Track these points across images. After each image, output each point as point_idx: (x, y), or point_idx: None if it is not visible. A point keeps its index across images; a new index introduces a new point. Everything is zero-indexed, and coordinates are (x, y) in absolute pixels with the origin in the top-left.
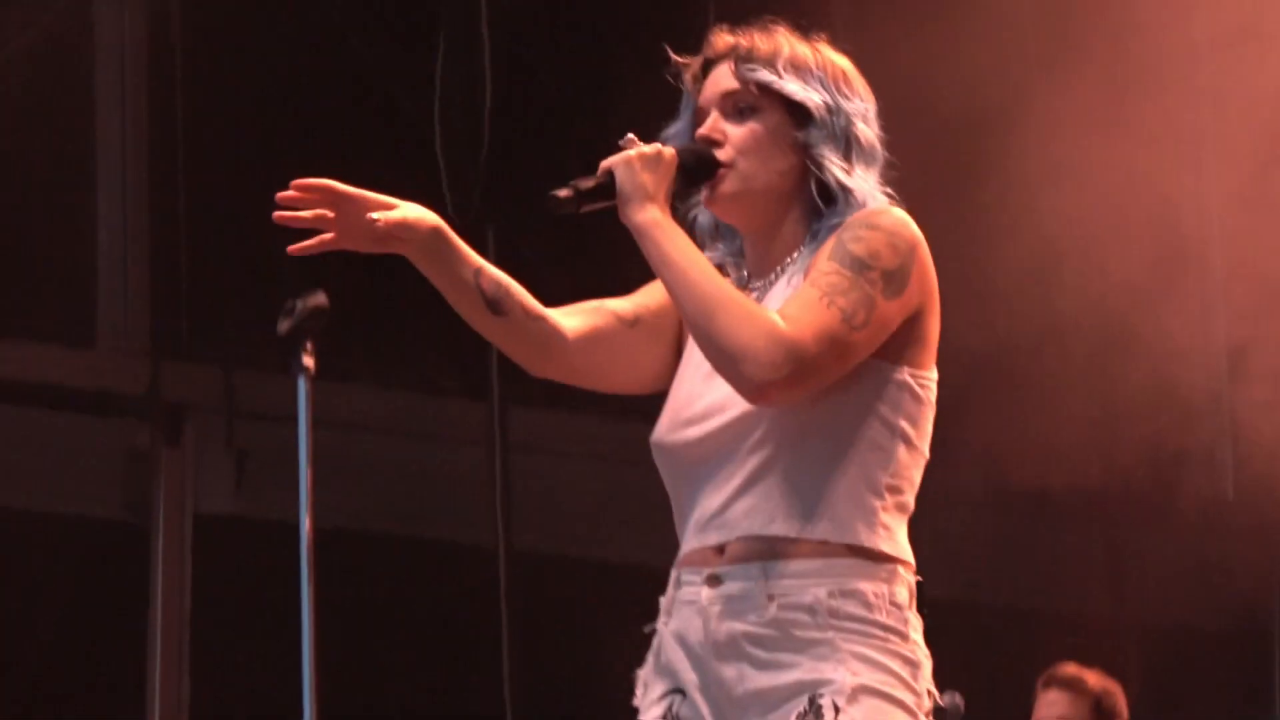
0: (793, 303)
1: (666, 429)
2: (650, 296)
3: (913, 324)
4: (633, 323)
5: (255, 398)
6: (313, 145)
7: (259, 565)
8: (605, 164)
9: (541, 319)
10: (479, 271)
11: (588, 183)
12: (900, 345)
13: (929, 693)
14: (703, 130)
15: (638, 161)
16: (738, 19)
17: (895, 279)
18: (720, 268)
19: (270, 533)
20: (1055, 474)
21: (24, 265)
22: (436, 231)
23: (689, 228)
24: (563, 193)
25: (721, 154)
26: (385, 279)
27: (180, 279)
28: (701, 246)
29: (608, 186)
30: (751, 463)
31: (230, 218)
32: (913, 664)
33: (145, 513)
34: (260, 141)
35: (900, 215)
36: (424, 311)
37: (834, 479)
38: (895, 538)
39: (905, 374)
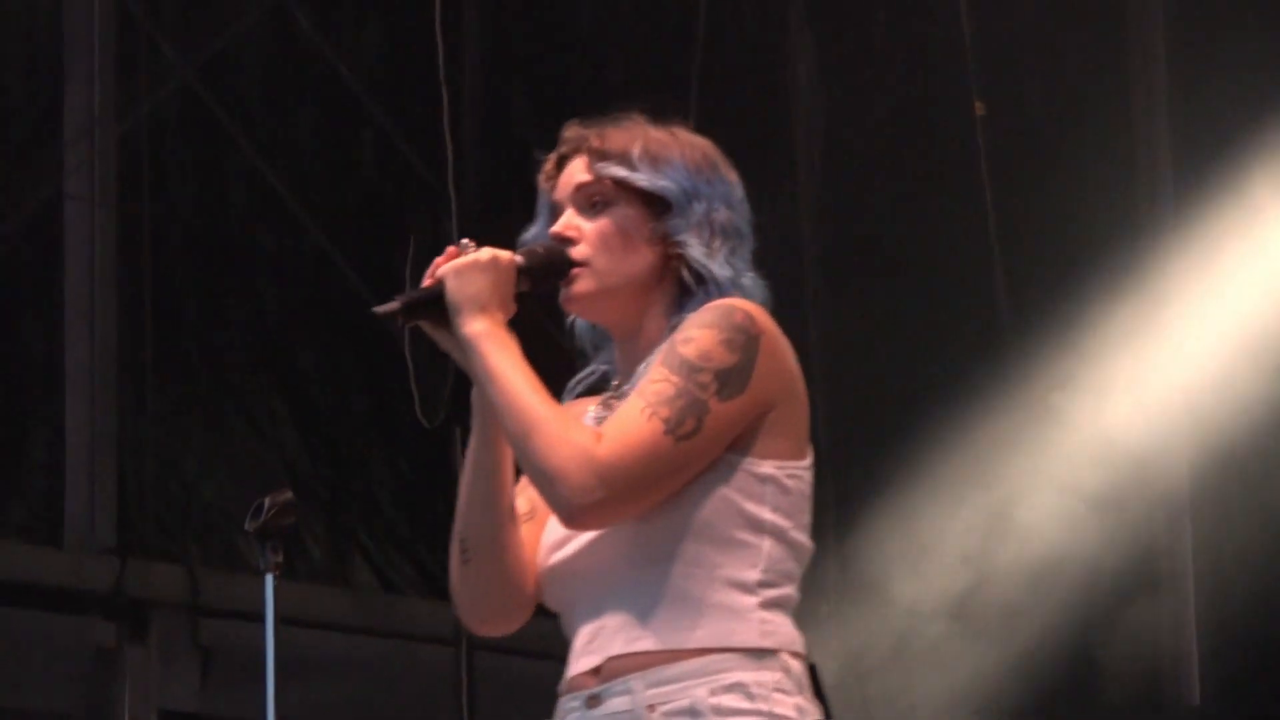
0: (615, 419)
1: (540, 560)
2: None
3: (769, 417)
4: (530, 515)
5: (219, 595)
6: (279, 338)
7: None
8: (437, 272)
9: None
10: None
11: (414, 294)
12: (760, 440)
13: None
14: (555, 228)
15: (468, 269)
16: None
17: (732, 378)
18: (606, 377)
19: None
20: None
21: None
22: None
23: (571, 332)
24: (385, 308)
25: (576, 252)
26: (352, 477)
27: (146, 477)
28: (584, 355)
29: (438, 297)
30: (615, 580)
31: (198, 416)
32: None
33: (110, 710)
34: (225, 332)
35: (740, 306)
36: (386, 509)
37: (702, 585)
38: (779, 631)
39: (768, 467)
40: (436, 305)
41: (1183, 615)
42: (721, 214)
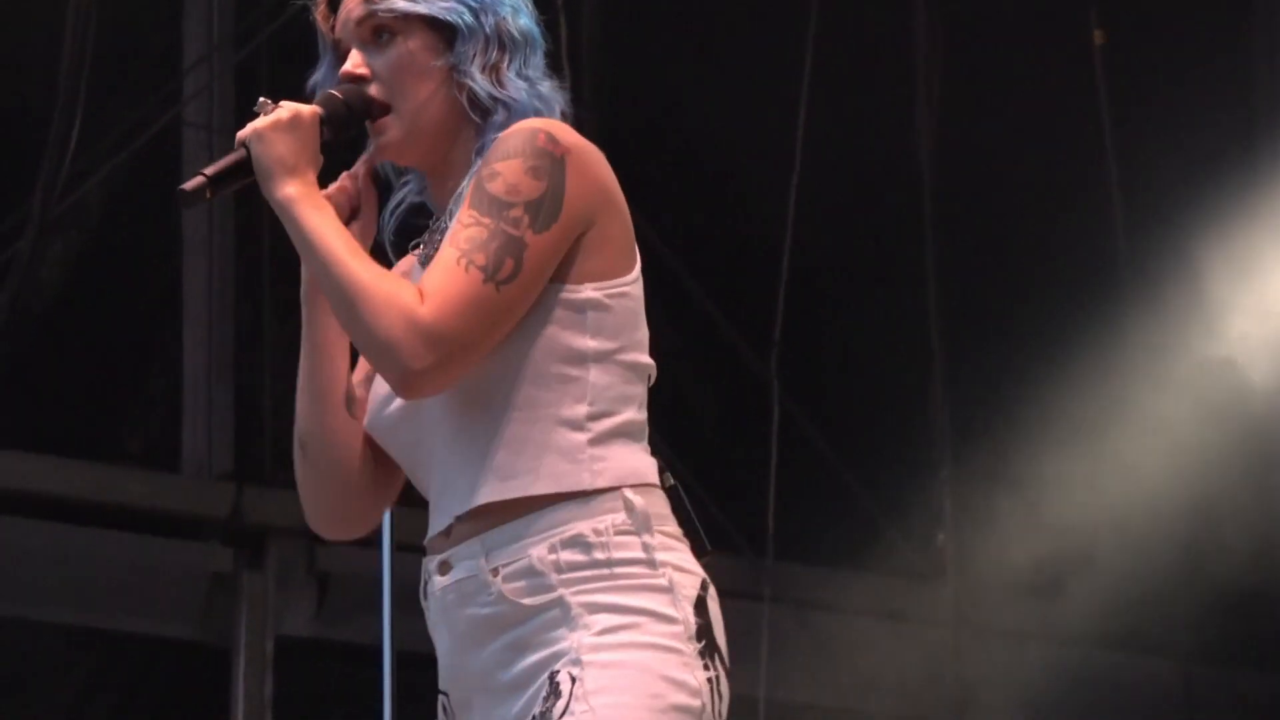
0: (433, 271)
1: (370, 414)
2: None
3: (586, 237)
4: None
5: None
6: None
7: (340, 688)
8: (238, 136)
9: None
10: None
11: (218, 165)
12: (577, 263)
13: (697, 609)
14: (345, 68)
15: (270, 130)
16: None
17: (544, 207)
18: (419, 208)
19: (351, 656)
20: None
21: (110, 391)
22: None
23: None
24: (191, 184)
25: (375, 90)
26: None
27: (264, 404)
28: (391, 185)
29: (244, 164)
30: (444, 432)
31: None
32: (663, 589)
33: (227, 636)
34: None
35: (541, 128)
36: None
37: (525, 427)
38: (612, 465)
39: (586, 291)
40: (244, 172)
41: None
42: (507, 22)
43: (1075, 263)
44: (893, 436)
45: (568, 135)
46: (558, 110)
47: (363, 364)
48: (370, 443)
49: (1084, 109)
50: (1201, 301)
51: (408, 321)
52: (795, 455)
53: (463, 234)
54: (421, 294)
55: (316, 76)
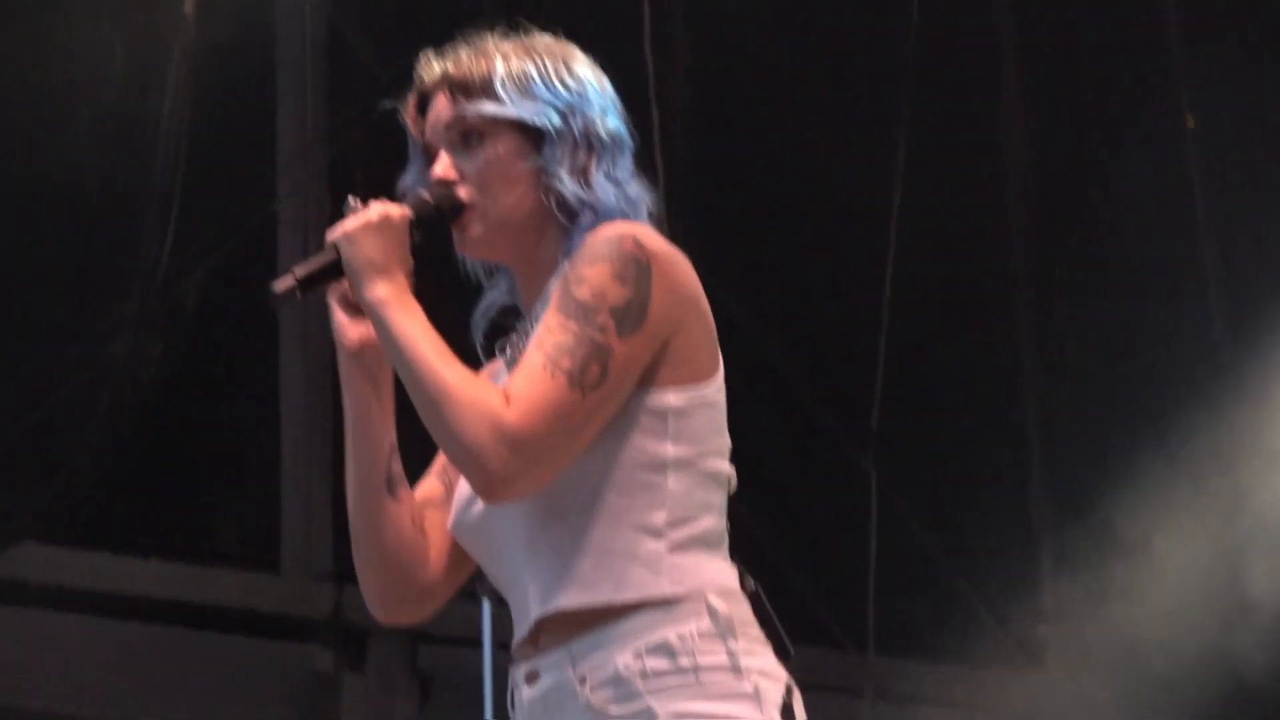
0: (518, 376)
1: (454, 515)
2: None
3: (671, 344)
4: (444, 479)
5: (438, 621)
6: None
7: None
8: (328, 236)
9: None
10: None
11: (309, 266)
12: (661, 369)
13: (783, 715)
14: (435, 172)
15: (359, 231)
16: None
17: (630, 312)
18: (510, 310)
19: None
20: None
21: (210, 490)
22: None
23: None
24: (281, 285)
25: (462, 193)
26: None
27: None
28: (482, 285)
29: (334, 265)
30: (526, 536)
31: (411, 440)
32: (749, 696)
33: None
34: None
35: (628, 233)
36: None
37: (605, 534)
38: (690, 571)
39: (669, 397)
40: (334, 273)
41: None
42: (595, 124)
43: (1176, 349)
44: (992, 525)
45: (654, 241)
46: (644, 211)
47: (441, 456)
48: (430, 529)
49: (1179, 191)
50: None
51: (493, 427)
52: (894, 546)
53: (549, 339)
54: (507, 398)
55: (406, 179)
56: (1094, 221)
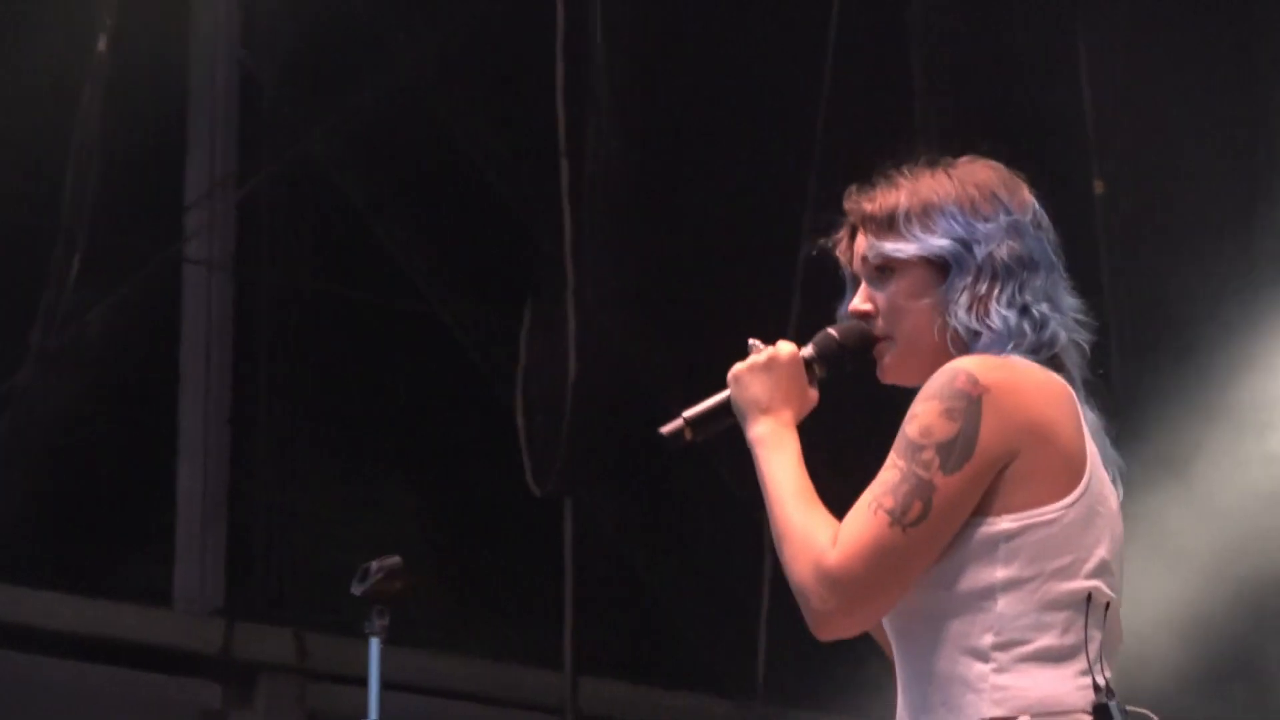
0: (848, 518)
1: None
2: None
3: (1010, 470)
4: None
5: (326, 659)
6: (391, 411)
7: None
8: (728, 376)
9: None
10: None
11: (700, 407)
12: (999, 496)
13: None
14: (853, 304)
15: (746, 373)
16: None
17: (955, 448)
18: None
19: None
20: None
21: (104, 526)
22: None
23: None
24: (669, 427)
25: (879, 322)
26: (463, 548)
27: (256, 541)
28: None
29: (726, 405)
30: (900, 656)
31: (307, 481)
32: None
33: None
34: (341, 404)
35: (964, 369)
36: (499, 579)
37: (937, 659)
38: (1014, 693)
39: (1002, 523)
40: (724, 415)
41: None
42: (1003, 250)
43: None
44: None
45: (993, 374)
46: (1055, 332)
47: None
48: None
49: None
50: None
51: (815, 567)
52: None
53: (880, 477)
54: (834, 541)
55: (842, 308)
56: (1167, 258)
